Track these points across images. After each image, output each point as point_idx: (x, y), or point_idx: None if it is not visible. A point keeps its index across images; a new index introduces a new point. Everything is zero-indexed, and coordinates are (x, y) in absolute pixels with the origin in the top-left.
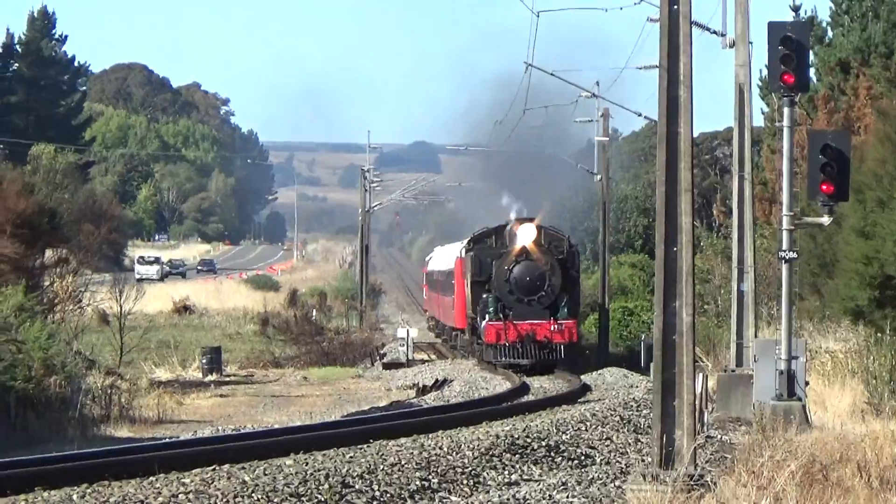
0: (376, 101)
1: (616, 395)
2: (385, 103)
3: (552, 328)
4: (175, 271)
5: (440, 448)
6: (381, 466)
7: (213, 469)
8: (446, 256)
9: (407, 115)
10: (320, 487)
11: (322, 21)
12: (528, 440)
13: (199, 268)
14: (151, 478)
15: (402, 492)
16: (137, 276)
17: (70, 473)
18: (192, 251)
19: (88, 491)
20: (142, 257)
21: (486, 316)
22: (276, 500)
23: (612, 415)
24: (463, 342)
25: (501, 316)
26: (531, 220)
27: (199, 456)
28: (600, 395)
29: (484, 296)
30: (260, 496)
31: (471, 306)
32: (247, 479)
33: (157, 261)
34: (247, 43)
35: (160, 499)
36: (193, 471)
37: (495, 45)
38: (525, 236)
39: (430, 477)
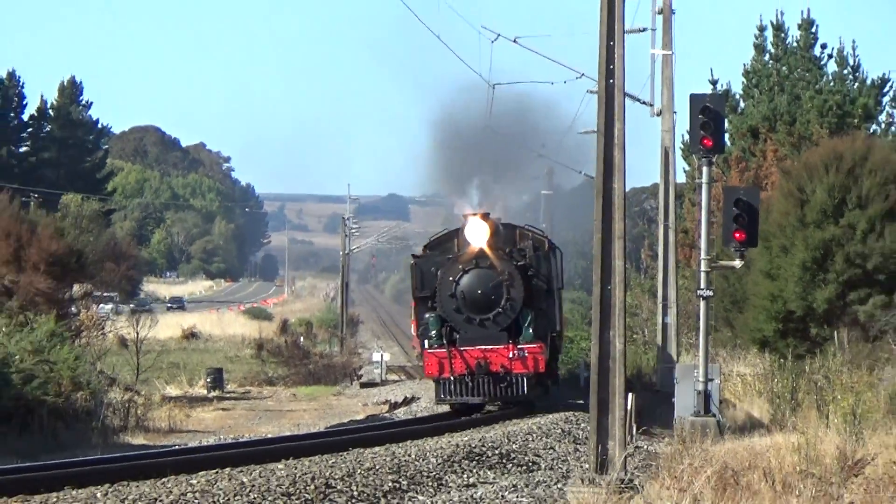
0: (354, 153)
1: (557, 411)
2: (362, 156)
3: (510, 355)
4: (175, 306)
5: (409, 455)
6: (359, 470)
7: (216, 472)
8: None
9: (381, 168)
10: (307, 488)
11: (307, 81)
12: (484, 449)
13: (168, 305)
14: (164, 479)
15: (377, 492)
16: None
17: (94, 475)
18: (198, 287)
19: (110, 490)
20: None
21: (427, 342)
22: (270, 499)
23: (554, 428)
24: None
25: (445, 341)
26: (486, 214)
27: (204, 461)
28: (545, 410)
29: (426, 315)
30: (256, 495)
31: (415, 329)
32: (245, 480)
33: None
34: (244, 104)
35: (171, 497)
36: (199, 473)
37: (460, 107)
38: (476, 236)
39: (401, 479)
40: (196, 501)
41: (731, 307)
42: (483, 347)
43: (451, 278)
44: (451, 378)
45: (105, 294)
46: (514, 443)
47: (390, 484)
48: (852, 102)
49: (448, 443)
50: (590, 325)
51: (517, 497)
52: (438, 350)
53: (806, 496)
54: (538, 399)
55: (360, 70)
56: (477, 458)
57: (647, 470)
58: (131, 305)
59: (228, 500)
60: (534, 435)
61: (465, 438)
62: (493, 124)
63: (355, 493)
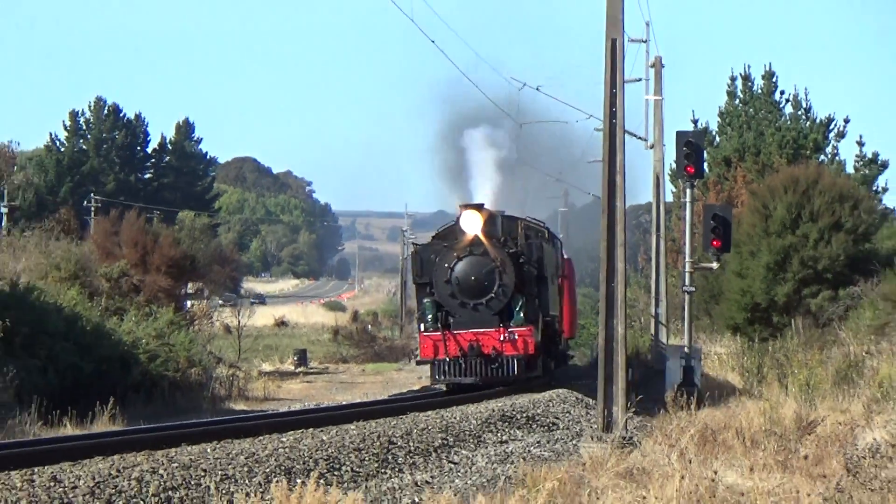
0: (410, 176)
1: (572, 384)
2: (416, 178)
3: (501, 338)
4: (257, 301)
5: (454, 418)
6: (415, 430)
7: (302, 431)
8: None
9: (431, 188)
10: (374, 444)
11: (374, 119)
12: (514, 412)
13: (252, 300)
14: (260, 437)
15: (429, 447)
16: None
17: (205, 434)
18: (286, 285)
19: (217, 446)
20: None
21: (422, 325)
22: (344, 453)
23: (570, 396)
24: None
25: (440, 325)
26: (479, 205)
27: (292, 423)
28: (546, 387)
29: (425, 300)
30: (333, 450)
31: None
32: (324, 438)
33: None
34: (323, 136)
35: (266, 451)
36: (288, 433)
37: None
38: (469, 225)
39: (448, 437)
40: (286, 455)
41: (710, 300)
42: (475, 331)
43: (446, 265)
44: (446, 360)
45: (207, 291)
46: (538, 408)
47: (440, 440)
48: (805, 137)
49: (486, 408)
50: (597, 315)
51: (540, 451)
52: (433, 333)
53: (770, 450)
54: (534, 378)
55: (414, 109)
56: (508, 419)
57: (644, 430)
58: (219, 301)
59: (311, 454)
60: (553, 402)
61: (499, 404)
62: (521, 156)
63: (412, 448)
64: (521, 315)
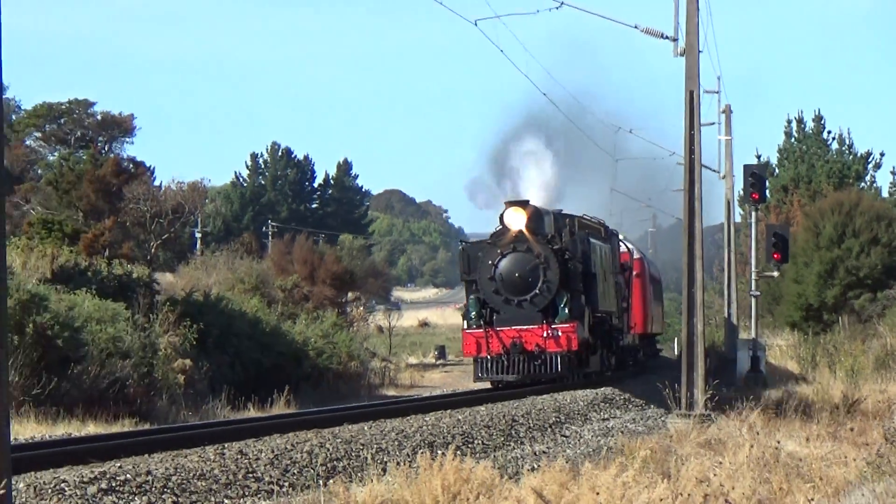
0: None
1: (662, 370)
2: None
3: (544, 334)
4: (394, 308)
5: (566, 400)
6: (533, 410)
7: (441, 412)
8: None
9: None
10: (500, 421)
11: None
12: (614, 396)
13: (387, 307)
14: (407, 416)
15: (545, 424)
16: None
17: (363, 415)
18: (428, 293)
19: (373, 425)
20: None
21: (466, 322)
22: (476, 429)
23: (616, 396)
24: None
25: (482, 322)
26: (524, 202)
27: (433, 405)
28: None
29: (469, 297)
30: (467, 427)
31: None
32: (459, 417)
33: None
34: (456, 166)
35: (412, 429)
36: (431, 413)
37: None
38: (514, 221)
39: (560, 416)
40: (429, 431)
41: (772, 302)
42: (518, 327)
43: (490, 262)
44: (488, 357)
45: (364, 298)
46: (632, 392)
47: (553, 418)
48: (848, 168)
49: (591, 392)
50: (681, 314)
51: (635, 426)
52: (476, 330)
53: (822, 423)
54: (588, 374)
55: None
56: (610, 401)
57: (719, 408)
58: (375, 305)
59: (449, 430)
60: (646, 387)
61: (602, 389)
62: (617, 187)
63: (531, 424)
64: (566, 311)
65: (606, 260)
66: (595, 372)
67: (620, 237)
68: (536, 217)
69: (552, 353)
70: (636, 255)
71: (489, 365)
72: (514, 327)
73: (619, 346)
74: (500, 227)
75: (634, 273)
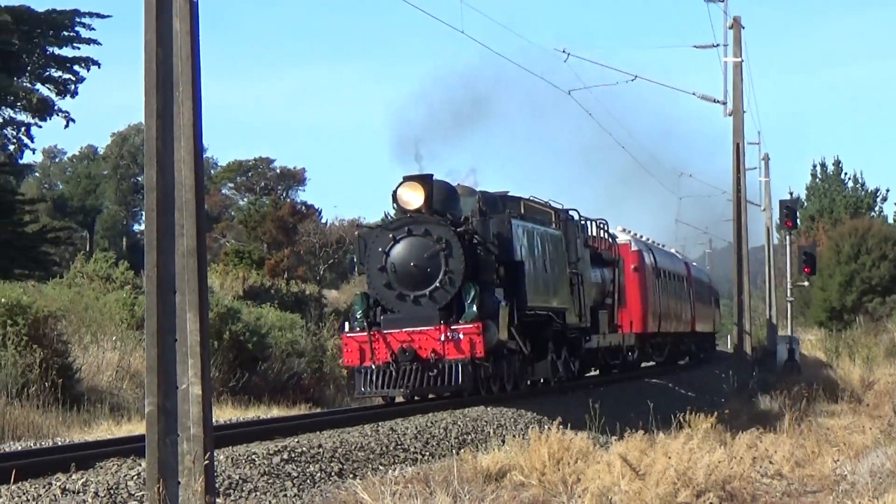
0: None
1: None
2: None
3: (442, 338)
4: None
5: (634, 387)
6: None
7: (546, 397)
8: None
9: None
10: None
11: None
12: (681, 382)
13: None
14: (516, 402)
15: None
16: None
17: (483, 400)
18: None
19: (493, 408)
20: None
21: (347, 324)
22: (570, 409)
23: (720, 372)
24: None
25: (367, 323)
26: (425, 176)
27: (540, 392)
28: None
29: (356, 293)
30: (563, 408)
31: None
32: (562, 399)
33: None
34: None
35: (524, 411)
36: (539, 398)
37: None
38: (409, 198)
39: (644, 397)
40: (536, 413)
41: (803, 305)
42: (410, 330)
43: (380, 249)
44: (372, 367)
45: None
46: (699, 380)
47: (638, 399)
48: (861, 202)
49: (658, 380)
50: (733, 317)
51: (698, 404)
52: (359, 334)
53: (845, 400)
54: (528, 384)
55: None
56: (676, 386)
57: (763, 389)
58: None
59: (553, 411)
60: (708, 376)
61: (669, 377)
62: (680, 218)
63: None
64: (474, 309)
65: (549, 247)
66: (551, 380)
67: (624, 231)
68: (443, 195)
69: (451, 362)
70: (634, 248)
71: (374, 377)
72: (405, 329)
73: (586, 349)
74: (396, 206)
75: (632, 266)
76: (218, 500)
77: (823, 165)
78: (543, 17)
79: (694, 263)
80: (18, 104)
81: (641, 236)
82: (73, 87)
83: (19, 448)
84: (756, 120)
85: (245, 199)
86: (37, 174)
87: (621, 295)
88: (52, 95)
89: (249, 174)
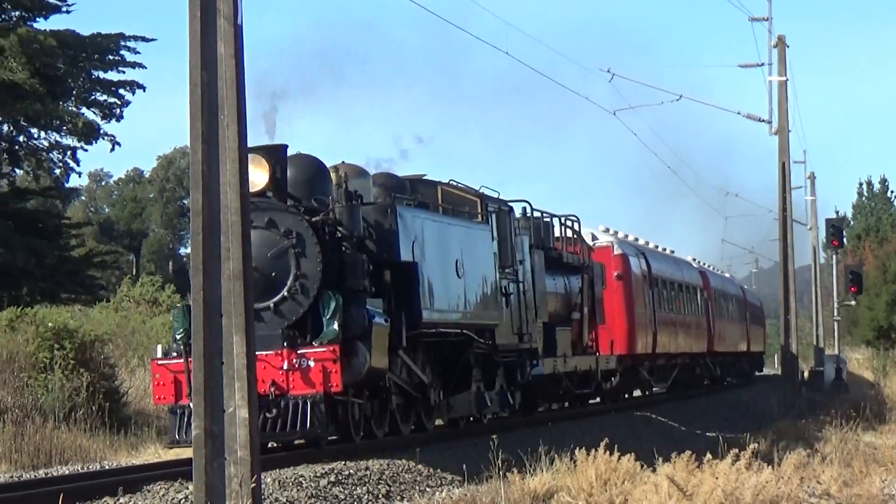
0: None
1: (768, 381)
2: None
3: (285, 365)
4: None
5: (678, 411)
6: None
7: (593, 418)
8: None
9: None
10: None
11: None
12: (735, 402)
13: None
14: (561, 422)
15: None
16: None
17: (528, 422)
18: None
19: (554, 426)
20: None
21: (160, 347)
22: (621, 433)
23: (770, 393)
24: None
25: (184, 348)
26: (277, 147)
27: (590, 413)
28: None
29: (175, 306)
30: (611, 430)
31: None
32: (608, 421)
33: None
34: None
35: (569, 433)
36: (585, 419)
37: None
38: (252, 177)
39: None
40: (580, 434)
41: (850, 325)
42: None
43: None
44: (189, 405)
45: None
46: (748, 401)
47: (683, 431)
48: None
49: (725, 397)
50: (780, 336)
51: (749, 423)
52: (174, 361)
53: (892, 420)
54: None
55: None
56: (733, 407)
57: (812, 409)
58: None
59: (601, 430)
60: (758, 395)
61: (730, 397)
62: (726, 238)
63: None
64: (335, 326)
65: (468, 246)
66: (482, 417)
67: (607, 231)
68: (303, 173)
69: (297, 398)
70: (617, 251)
71: (186, 420)
72: None
73: (533, 376)
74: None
75: (615, 274)
76: None
77: (870, 183)
78: (588, 37)
79: (729, 276)
80: (64, 128)
81: (637, 239)
82: (118, 110)
83: (67, 472)
84: (801, 138)
85: None
86: (83, 198)
87: (597, 308)
88: (98, 119)
89: None
